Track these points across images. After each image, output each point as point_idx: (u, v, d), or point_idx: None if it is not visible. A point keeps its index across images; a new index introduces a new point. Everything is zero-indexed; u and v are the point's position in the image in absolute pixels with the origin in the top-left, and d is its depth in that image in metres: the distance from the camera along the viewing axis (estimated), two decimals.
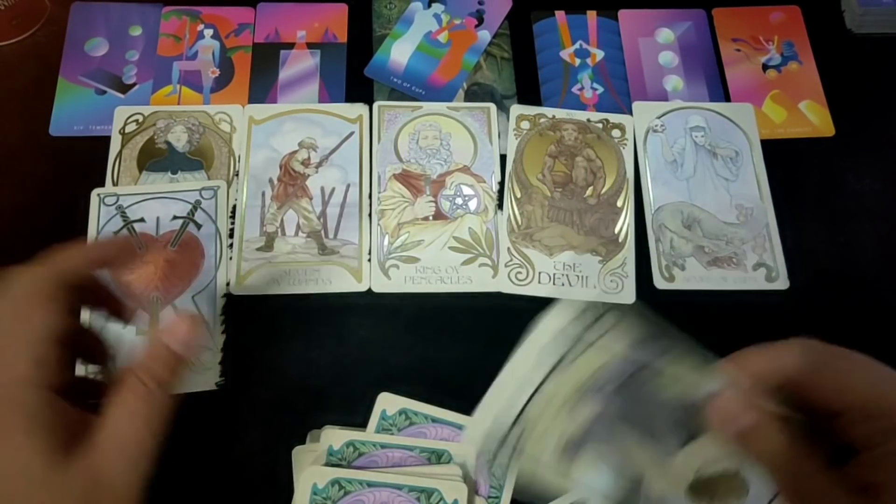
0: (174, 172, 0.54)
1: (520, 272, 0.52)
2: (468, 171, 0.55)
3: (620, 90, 0.59)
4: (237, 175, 0.54)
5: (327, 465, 0.43)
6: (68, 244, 0.34)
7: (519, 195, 0.54)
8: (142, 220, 0.52)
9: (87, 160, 0.54)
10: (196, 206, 0.52)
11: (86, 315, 0.38)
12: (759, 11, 0.63)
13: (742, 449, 0.31)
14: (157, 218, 0.52)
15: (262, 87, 0.58)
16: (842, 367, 0.31)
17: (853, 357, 0.31)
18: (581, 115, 0.57)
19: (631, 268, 0.52)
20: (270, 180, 0.54)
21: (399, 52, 0.60)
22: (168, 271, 0.50)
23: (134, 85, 0.58)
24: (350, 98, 0.57)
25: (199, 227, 0.52)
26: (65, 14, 0.60)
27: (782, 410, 0.30)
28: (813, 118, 0.58)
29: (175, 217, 0.52)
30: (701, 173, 0.55)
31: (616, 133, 0.57)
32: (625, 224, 0.53)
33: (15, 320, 0.31)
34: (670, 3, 0.63)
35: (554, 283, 0.51)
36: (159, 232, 0.51)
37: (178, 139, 0.55)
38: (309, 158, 0.54)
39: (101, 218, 0.51)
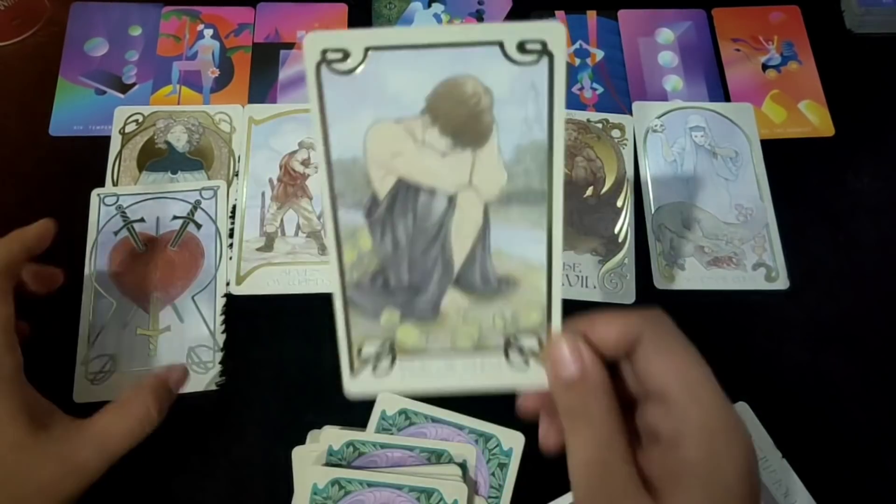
0: (174, 172, 0.54)
1: None
2: None
3: (620, 90, 0.59)
4: (237, 175, 0.54)
5: (327, 465, 0.43)
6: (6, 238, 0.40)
7: None
8: (142, 220, 0.52)
9: (87, 160, 0.54)
10: (196, 206, 0.52)
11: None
12: (758, 11, 0.63)
13: (562, 399, 0.29)
14: (157, 218, 0.52)
15: (262, 87, 0.58)
16: (663, 350, 0.29)
17: (678, 345, 0.29)
18: (581, 115, 0.57)
19: (631, 268, 0.52)
20: (270, 180, 0.54)
21: None
22: (168, 271, 0.50)
23: (134, 85, 0.58)
24: None
25: (199, 227, 0.52)
26: (65, 14, 0.60)
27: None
28: (813, 118, 0.58)
29: (175, 217, 0.52)
30: (701, 173, 0.55)
31: (616, 133, 0.57)
32: (625, 224, 0.53)
33: None
34: (670, 3, 0.63)
35: None
36: (159, 232, 0.51)
37: (178, 139, 0.55)
38: (309, 158, 0.54)
39: (101, 218, 0.51)
